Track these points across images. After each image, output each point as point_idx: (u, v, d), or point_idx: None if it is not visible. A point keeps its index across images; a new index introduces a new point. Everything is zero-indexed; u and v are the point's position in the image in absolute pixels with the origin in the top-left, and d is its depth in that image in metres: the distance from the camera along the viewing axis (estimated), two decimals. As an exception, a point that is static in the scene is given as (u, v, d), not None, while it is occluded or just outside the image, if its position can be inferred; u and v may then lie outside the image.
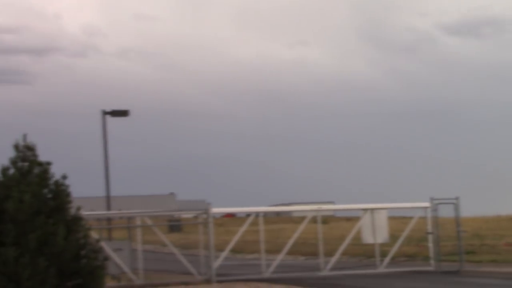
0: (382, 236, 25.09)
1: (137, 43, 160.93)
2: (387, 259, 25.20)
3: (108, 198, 27.25)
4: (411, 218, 27.01)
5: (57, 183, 14.71)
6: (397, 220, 46.11)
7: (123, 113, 28.71)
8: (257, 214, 24.68)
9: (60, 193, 14.67)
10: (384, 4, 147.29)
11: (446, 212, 26.25)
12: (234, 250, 36.94)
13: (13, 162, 14.57)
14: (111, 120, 28.39)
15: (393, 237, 27.21)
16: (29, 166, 14.58)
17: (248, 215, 32.50)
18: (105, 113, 28.04)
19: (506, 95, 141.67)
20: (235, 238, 24.23)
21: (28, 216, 13.84)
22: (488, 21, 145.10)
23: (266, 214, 41.15)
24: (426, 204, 25.61)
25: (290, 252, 31.70)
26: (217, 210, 24.35)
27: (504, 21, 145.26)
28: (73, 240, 14.30)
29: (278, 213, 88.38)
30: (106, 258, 15.92)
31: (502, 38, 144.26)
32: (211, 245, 22.54)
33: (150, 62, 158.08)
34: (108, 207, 26.97)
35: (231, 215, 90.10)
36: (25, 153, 14.64)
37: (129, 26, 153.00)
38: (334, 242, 34.77)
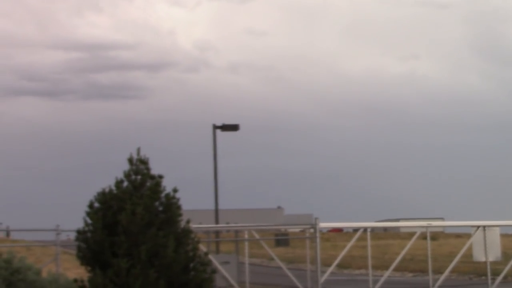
0: (494, 253, 24.35)
1: (247, 58, 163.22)
2: (499, 278, 24.44)
3: (216, 211, 27.65)
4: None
5: (168, 196, 15.05)
6: (510, 238, 44.67)
7: (233, 128, 29.11)
8: (364, 229, 24.45)
9: (171, 206, 14.99)
10: (499, 17, 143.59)
11: None
12: (340, 265, 36.71)
13: (127, 175, 15.00)
14: (221, 134, 28.85)
15: (506, 255, 26.37)
16: (141, 179, 14.98)
17: (355, 230, 32.24)
18: (216, 127, 28.49)
19: None
20: (342, 253, 24.08)
21: (140, 228, 14.20)
22: None
23: (373, 230, 40.70)
24: (541, 221, 24.74)
25: (397, 269, 31.23)
26: (324, 224, 24.26)
27: None
28: (182, 253, 14.57)
29: (385, 229, 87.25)
30: (214, 271, 16.14)
31: None
32: (318, 260, 22.49)
33: (259, 76, 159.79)
34: (216, 220, 27.35)
35: (338, 230, 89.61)
36: (138, 167, 15.05)
37: (240, 40, 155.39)
38: (443, 259, 34.06)
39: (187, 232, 15.19)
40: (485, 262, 24.41)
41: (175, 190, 15.23)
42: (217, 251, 25.99)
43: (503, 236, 26.63)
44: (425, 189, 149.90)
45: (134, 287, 13.76)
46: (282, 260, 26.27)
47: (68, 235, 26.29)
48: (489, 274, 24.17)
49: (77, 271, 16.76)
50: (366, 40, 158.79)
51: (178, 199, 15.25)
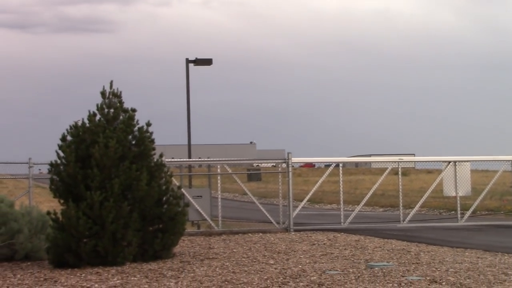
0: (464, 189, 24.71)
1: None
2: (468, 213, 24.86)
3: (189, 146, 27.64)
4: (495, 171, 26.44)
5: (141, 130, 15.02)
6: (480, 174, 45.32)
7: (206, 62, 28.82)
8: (336, 164, 24.63)
9: (144, 140, 14.98)
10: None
11: (532, 166, 25.60)
12: (312, 200, 37.10)
13: (100, 108, 14.91)
14: (194, 69, 28.60)
15: (476, 190, 26.77)
16: (114, 112, 14.91)
17: (327, 165, 32.50)
18: (189, 61, 28.22)
19: None
20: (314, 188, 24.29)
21: (113, 162, 14.19)
22: None
23: (345, 165, 41.10)
24: (511, 157, 25.06)
25: (368, 204, 31.65)
26: (296, 159, 24.39)
27: None
28: (155, 186, 14.63)
29: (357, 164, 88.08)
30: (187, 205, 16.25)
31: None
32: (290, 194, 22.68)
33: (233, 11, 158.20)
34: (189, 155, 27.37)
35: (310, 165, 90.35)
36: (111, 100, 14.96)
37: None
38: (414, 194, 34.55)
39: (160, 166, 15.23)
40: (455, 197, 24.78)
41: (148, 124, 15.20)
42: (190, 186, 26.09)
43: (473, 171, 26.94)
44: (397, 125, 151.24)
45: (107, 219, 13.81)
46: (255, 195, 26.45)
47: (40, 169, 26.24)
48: (458, 209, 24.56)
49: (50, 204, 16.76)
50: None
51: (151, 133, 15.25)
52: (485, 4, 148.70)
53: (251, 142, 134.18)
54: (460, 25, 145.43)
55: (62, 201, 14.28)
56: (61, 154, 14.48)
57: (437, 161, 25.96)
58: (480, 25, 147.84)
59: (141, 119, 15.14)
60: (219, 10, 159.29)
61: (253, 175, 63.16)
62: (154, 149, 15.23)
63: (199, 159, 26.48)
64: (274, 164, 43.17)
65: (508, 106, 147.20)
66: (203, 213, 21.96)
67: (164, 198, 15.06)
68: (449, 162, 24.69)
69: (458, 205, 24.58)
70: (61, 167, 14.39)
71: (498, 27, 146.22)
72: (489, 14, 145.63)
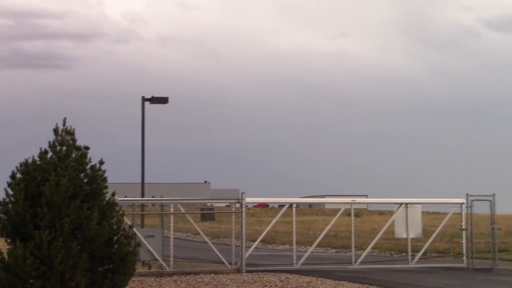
0: (415, 231, 24.94)
1: (178, 31, 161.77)
2: (419, 255, 25.06)
3: (142, 184, 27.45)
4: (445, 214, 26.77)
5: (93, 168, 14.85)
6: (431, 216, 45.78)
7: (162, 100, 28.80)
8: (290, 205, 24.69)
9: (96, 178, 14.80)
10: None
11: (481, 208, 25.99)
12: (265, 241, 37.05)
13: (52, 145, 14.73)
14: (150, 107, 28.53)
15: (426, 232, 27.03)
16: (67, 150, 14.73)
17: (281, 205, 32.54)
18: (145, 99, 28.16)
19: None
20: (267, 228, 24.27)
21: (64, 200, 13.99)
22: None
23: (299, 205, 41.16)
24: (461, 200, 25.40)
25: (321, 245, 31.70)
26: (250, 199, 24.39)
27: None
28: (106, 225, 14.43)
29: (310, 205, 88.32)
30: (138, 244, 16.05)
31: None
32: (242, 235, 22.61)
33: (189, 50, 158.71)
34: (143, 194, 27.18)
35: (264, 205, 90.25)
36: (64, 137, 14.79)
37: (170, 13, 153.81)
38: (366, 236, 34.73)
39: (112, 204, 15.04)
40: (406, 239, 24.98)
41: (101, 162, 15.05)
42: (142, 225, 25.86)
43: (425, 213, 27.26)
44: (350, 166, 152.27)
45: (56, 260, 13.56)
46: (208, 235, 26.32)
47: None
48: (409, 250, 24.76)
49: (-3, 243, 16.41)
50: (297, 18, 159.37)
51: (104, 171, 15.07)
52: (435, 49, 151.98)
53: (205, 181, 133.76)
54: (411, 69, 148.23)
55: (9, 240, 14.00)
56: (10, 191, 14.23)
57: (389, 203, 26.21)
58: (430, 70, 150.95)
59: (94, 156, 15.00)
60: (176, 48, 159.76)
61: (207, 215, 62.83)
62: (106, 187, 15.06)
63: (152, 198, 26.32)
64: (228, 204, 43.07)
65: (458, 150, 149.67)
66: (154, 253, 21.74)
67: (115, 238, 14.84)
68: (401, 204, 24.93)
69: (409, 247, 24.78)
70: (9, 205, 14.14)
71: (448, 72, 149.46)
72: (440, 59, 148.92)
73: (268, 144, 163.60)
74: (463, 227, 25.36)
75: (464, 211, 25.35)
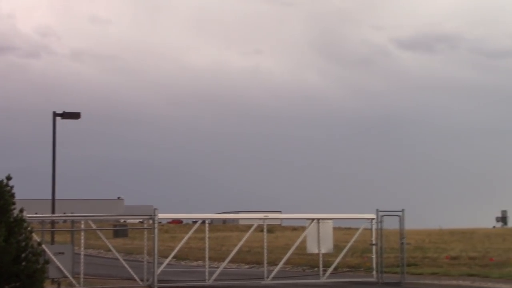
0: (326, 246, 25.27)
1: (91, 46, 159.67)
2: (330, 270, 25.39)
3: (53, 200, 26.90)
4: (356, 229, 27.22)
5: (1, 184, 14.50)
6: (343, 231, 46.50)
7: (74, 116, 28.35)
8: (203, 221, 24.65)
9: (4, 194, 14.46)
10: (340, 18, 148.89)
11: (391, 224, 26.55)
12: (178, 257, 36.82)
13: (-44, 161, 14.33)
14: (61, 122, 28.03)
15: (338, 247, 27.43)
16: (-29, 166, 14.35)
17: (194, 221, 32.43)
18: (56, 115, 27.67)
19: (454, 108, 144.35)
20: (180, 244, 24.16)
21: (-31, 217, 13.60)
22: (441, 37, 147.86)
23: (212, 221, 41.11)
24: (372, 215, 25.89)
25: (234, 260, 31.75)
26: (163, 215, 24.25)
27: (456, 38, 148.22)
28: (13, 242, 14.10)
29: (224, 221, 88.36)
30: (47, 262, 15.73)
31: (453, 53, 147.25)
32: (155, 251, 22.44)
33: (103, 65, 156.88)
34: (53, 210, 26.62)
35: (178, 222, 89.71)
36: (-32, 153, 14.41)
37: (83, 28, 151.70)
38: (279, 251, 34.96)
39: (20, 221, 14.72)
40: (317, 254, 25.27)
41: (8, 178, 14.72)
42: (52, 242, 25.33)
43: (336, 229, 27.66)
44: (265, 182, 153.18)
45: (-40, 278, 13.16)
46: (120, 251, 26.03)
47: None
48: (321, 266, 25.06)
49: None
50: (212, 34, 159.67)
51: (11, 187, 14.75)
52: (349, 67, 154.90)
53: (118, 198, 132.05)
54: (326, 86, 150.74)
55: None
56: None
57: (300, 218, 26.51)
58: (344, 88, 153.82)
59: (3, 172, 14.65)
60: (89, 63, 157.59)
61: (120, 231, 61.99)
62: (14, 203, 14.72)
63: (63, 215, 25.83)
64: (142, 220, 42.66)
65: (371, 166, 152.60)
66: (64, 270, 21.34)
67: (22, 255, 14.52)
68: (313, 219, 25.23)
69: (321, 262, 25.08)
70: None
71: (361, 90, 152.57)
72: (353, 77, 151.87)
73: (183, 160, 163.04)
74: (373, 242, 25.84)
75: (374, 227, 25.84)
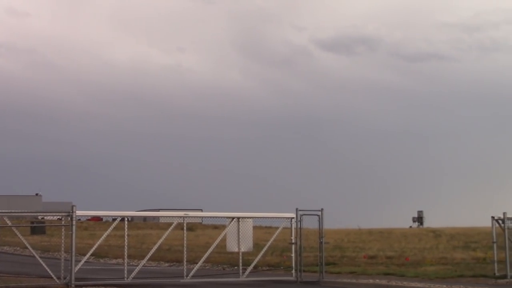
0: (246, 245, 25.35)
1: (7, 39, 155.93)
2: (249, 268, 25.50)
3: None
4: (277, 228, 27.41)
5: None
6: (263, 230, 46.82)
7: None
8: (123, 218, 24.39)
9: None
10: (262, 17, 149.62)
11: (311, 223, 26.82)
12: (97, 255, 36.36)
13: None
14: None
15: (258, 246, 27.56)
16: None
17: (114, 219, 32.08)
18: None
19: (373, 110, 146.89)
20: (98, 242, 23.85)
21: None
22: (361, 40, 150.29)
23: (132, 219, 40.74)
24: (291, 214, 26.10)
25: (154, 258, 31.55)
26: (82, 213, 23.89)
27: (375, 41, 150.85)
28: None
29: (145, 219, 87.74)
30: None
31: (373, 56, 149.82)
32: (72, 248, 22.09)
33: (20, 59, 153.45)
34: (-33, 206, 25.95)
35: (97, 219, 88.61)
36: None
37: (1, 20, 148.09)
38: (199, 249, 34.94)
39: None
40: (238, 253, 25.34)
41: None
42: (-34, 238, 24.65)
43: (258, 228, 27.80)
44: (185, 180, 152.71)
45: None
46: (37, 249, 25.53)
47: None
48: (240, 264, 25.13)
49: None
50: (133, 31, 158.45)
51: None
52: (271, 67, 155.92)
53: (36, 194, 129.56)
54: (248, 86, 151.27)
55: None
56: None
57: (221, 217, 26.51)
58: (266, 87, 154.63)
59: None
60: (6, 56, 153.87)
61: (37, 228, 60.83)
62: None
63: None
64: (60, 217, 41.95)
65: (291, 166, 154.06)
66: (-23, 268, 20.78)
67: None
68: (233, 218, 25.29)
69: (240, 261, 25.16)
70: None
71: (283, 90, 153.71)
72: (275, 77, 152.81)
73: (103, 156, 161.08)
74: (293, 241, 26.06)
75: (294, 225, 26.05)
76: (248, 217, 25.60)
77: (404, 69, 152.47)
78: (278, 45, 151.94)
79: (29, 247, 23.37)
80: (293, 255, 26.08)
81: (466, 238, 51.24)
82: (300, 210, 26.02)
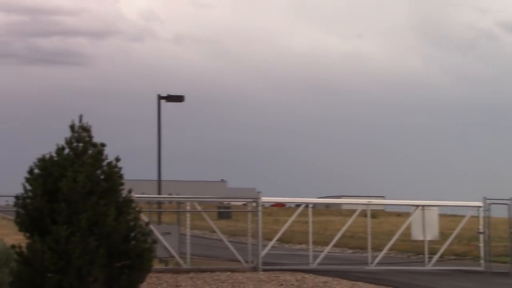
0: (432, 233, 24.82)
1: (192, 30, 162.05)
2: (436, 257, 24.93)
3: (159, 181, 27.52)
4: (462, 216, 26.61)
5: (110, 165, 14.89)
6: (448, 218, 45.50)
7: (178, 99, 28.95)
8: (306, 205, 24.64)
9: (113, 175, 14.85)
10: (443, 1, 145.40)
11: (499, 212, 25.84)
12: (281, 240, 36.98)
13: (69, 142, 14.79)
14: (165, 105, 28.63)
15: (443, 235, 26.88)
16: (83, 147, 14.79)
17: (297, 205, 32.50)
18: (161, 97, 28.25)
19: None
20: (284, 228, 24.24)
21: (81, 196, 14.04)
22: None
23: (315, 206, 41.02)
24: (479, 203, 25.24)
25: (337, 245, 31.60)
26: (266, 199, 24.37)
27: None
28: (123, 222, 14.47)
29: (327, 205, 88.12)
30: (155, 241, 16.08)
31: None
32: (259, 234, 22.60)
33: (204, 49, 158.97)
34: (159, 191, 27.24)
35: (280, 205, 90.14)
36: (81, 134, 14.84)
37: (185, 12, 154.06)
38: (383, 237, 34.58)
39: (128, 201, 15.08)
40: (423, 241, 24.86)
41: (117, 159, 15.08)
42: (159, 222, 25.91)
43: (442, 216, 27.10)
44: (368, 167, 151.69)
45: (74, 254, 13.62)
46: (224, 233, 26.36)
47: (7, 200, 25.92)
48: (426, 252, 24.64)
49: (15, 237, 16.55)
50: (311, 19, 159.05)
51: (120, 168, 15.11)
52: (453, 52, 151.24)
53: (222, 180, 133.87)
54: (429, 72, 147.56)
55: (27, 234, 14.08)
56: (28, 187, 14.30)
57: (405, 204, 26.11)
58: (448, 73, 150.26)
59: (110, 153, 15.03)
60: (191, 47, 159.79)
61: (223, 213, 62.86)
62: (122, 184, 15.09)
63: (169, 196, 26.37)
64: (245, 203, 43.08)
65: (477, 151, 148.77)
66: (171, 250, 21.79)
67: (131, 234, 14.88)
68: (418, 206, 24.81)
69: (426, 249, 24.66)
70: (28, 200, 14.22)
71: (465, 76, 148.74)
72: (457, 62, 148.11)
73: (284, 143, 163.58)
74: (481, 230, 25.20)
75: (481, 215, 25.18)
76: (433, 205, 25.05)
77: None
78: (460, 29, 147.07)
79: (217, 231, 24.18)
80: (481, 244, 25.21)
81: None
82: (488, 199, 25.11)
